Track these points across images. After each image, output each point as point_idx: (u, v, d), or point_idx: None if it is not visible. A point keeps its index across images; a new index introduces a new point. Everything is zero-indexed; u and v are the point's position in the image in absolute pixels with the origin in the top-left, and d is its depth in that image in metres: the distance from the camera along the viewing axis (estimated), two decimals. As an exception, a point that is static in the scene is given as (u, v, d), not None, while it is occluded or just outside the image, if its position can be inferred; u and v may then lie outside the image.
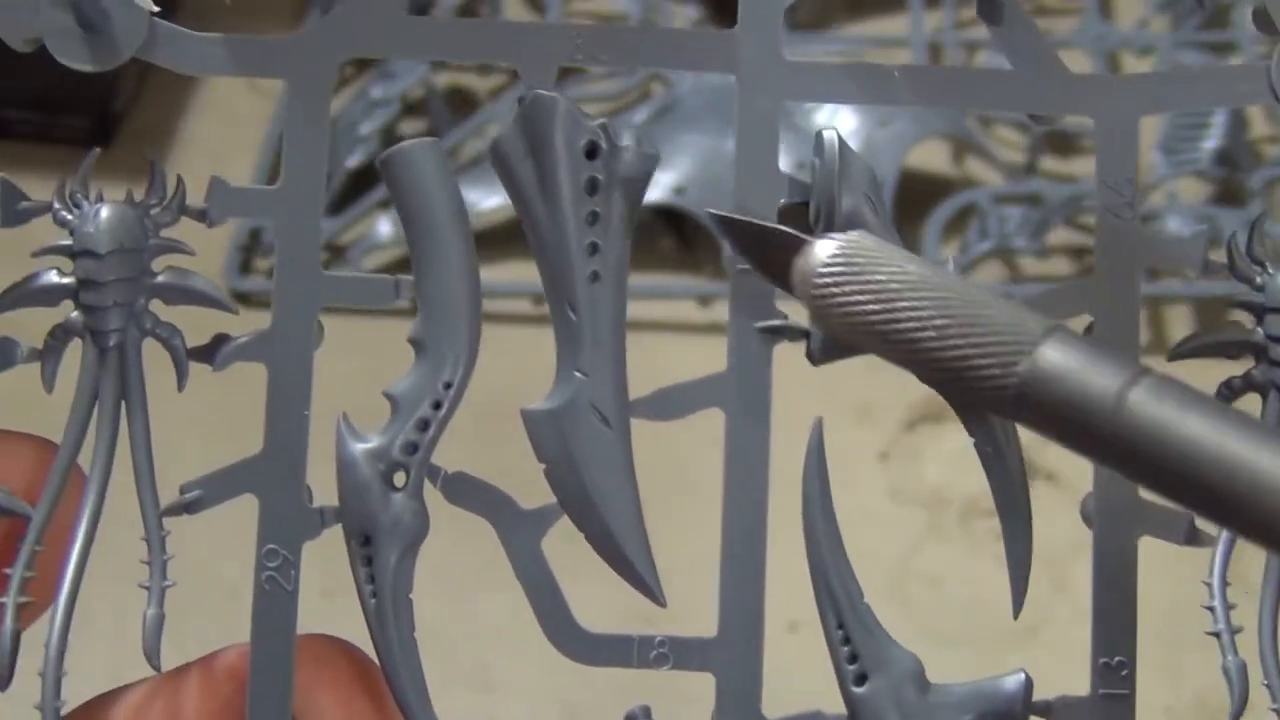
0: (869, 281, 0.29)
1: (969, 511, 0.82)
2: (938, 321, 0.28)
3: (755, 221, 0.32)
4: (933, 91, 0.35)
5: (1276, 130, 1.02)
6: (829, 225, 0.35)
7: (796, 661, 0.36)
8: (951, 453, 0.85)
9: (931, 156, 0.99)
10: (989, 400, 0.28)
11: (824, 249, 0.30)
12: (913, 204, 0.93)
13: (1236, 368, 0.36)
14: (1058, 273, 0.94)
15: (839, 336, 0.30)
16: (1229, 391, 0.36)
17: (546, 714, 0.74)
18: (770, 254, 0.31)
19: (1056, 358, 0.28)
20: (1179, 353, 0.36)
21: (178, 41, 0.35)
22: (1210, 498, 0.27)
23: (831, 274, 0.29)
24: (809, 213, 0.35)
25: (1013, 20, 0.35)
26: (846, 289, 0.29)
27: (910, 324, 0.29)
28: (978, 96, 0.36)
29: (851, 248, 0.29)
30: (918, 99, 0.35)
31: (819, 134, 0.35)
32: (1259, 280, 0.36)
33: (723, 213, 0.32)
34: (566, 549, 0.36)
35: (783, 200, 0.35)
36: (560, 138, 0.34)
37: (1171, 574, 0.36)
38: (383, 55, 0.35)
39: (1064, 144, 1.02)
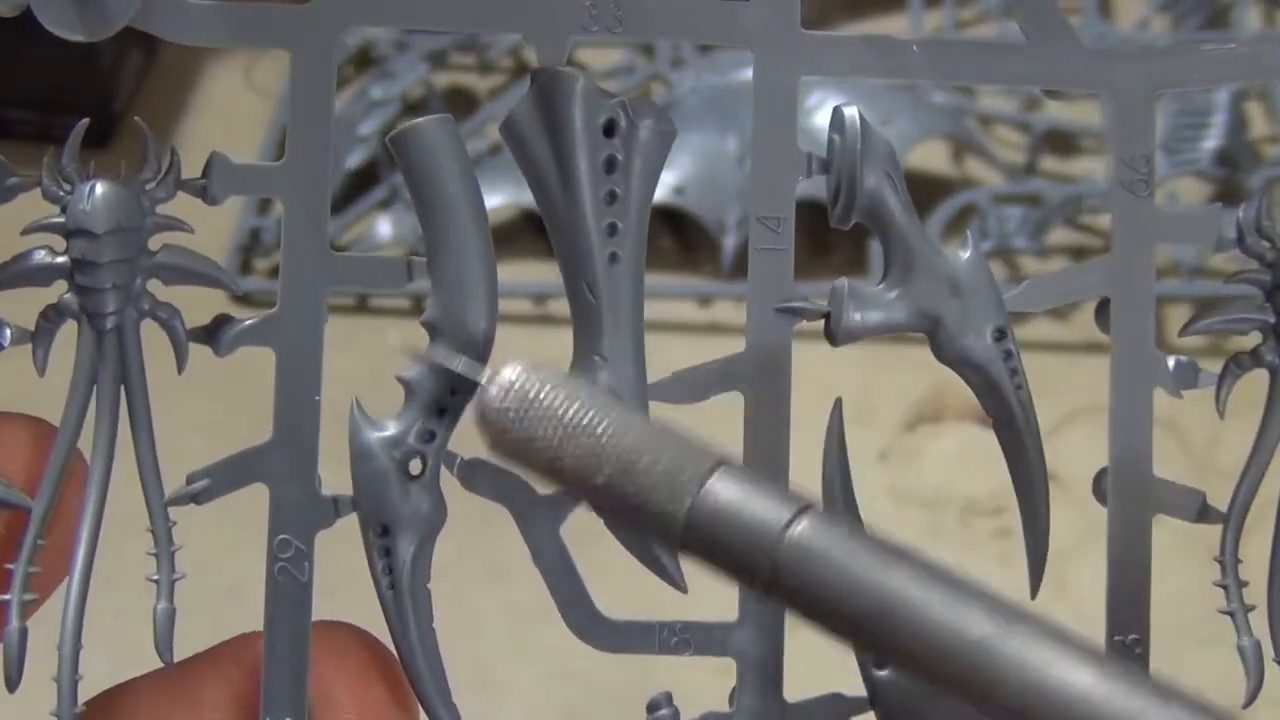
0: (534, 429, 0.29)
1: (969, 511, 0.82)
2: (601, 473, 0.28)
3: (433, 357, 0.32)
4: (950, 65, 0.35)
5: (1276, 130, 1.02)
6: (849, 203, 0.34)
7: (809, 653, 0.35)
8: (951, 453, 0.85)
9: (931, 156, 0.99)
10: (661, 538, 0.28)
11: (492, 394, 0.29)
12: (913, 204, 0.92)
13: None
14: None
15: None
16: (1237, 367, 0.36)
17: (546, 714, 0.73)
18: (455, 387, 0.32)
19: (719, 495, 0.28)
20: (1189, 330, 0.36)
21: (174, 10, 0.33)
22: (871, 634, 0.27)
23: (499, 421, 0.29)
24: (827, 190, 0.34)
25: (1032, -6, 0.34)
26: (516, 437, 0.29)
27: (576, 471, 0.29)
28: (994, 71, 0.35)
29: (516, 393, 0.29)
30: (935, 73, 0.35)
31: (837, 109, 0.34)
32: (1269, 256, 0.35)
33: (400, 343, 0.32)
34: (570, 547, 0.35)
35: (801, 178, 0.34)
36: (578, 115, 0.33)
37: (1171, 571, 0.36)
38: (388, 24, 0.35)
39: (1064, 144, 1.02)
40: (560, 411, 0.29)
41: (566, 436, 0.28)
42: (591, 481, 0.28)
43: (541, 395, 0.29)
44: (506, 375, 0.29)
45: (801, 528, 0.27)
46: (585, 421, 0.28)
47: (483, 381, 0.29)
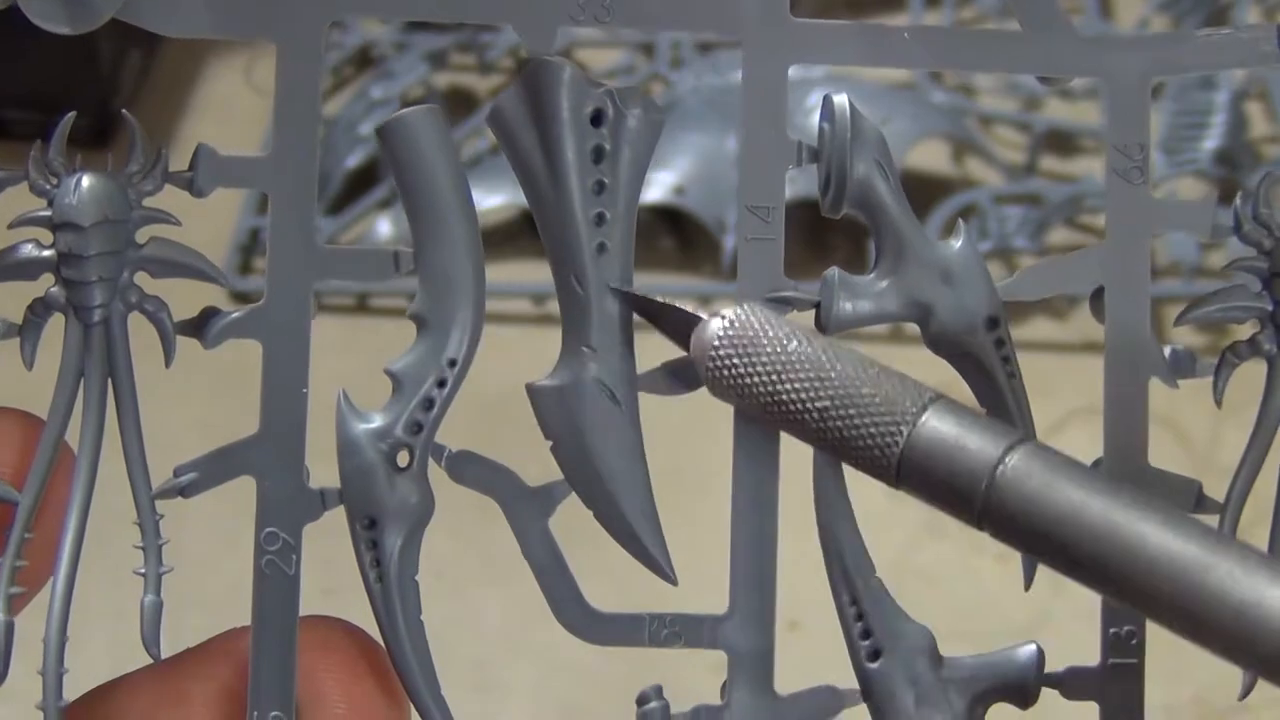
0: (753, 364, 0.30)
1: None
2: (819, 403, 0.30)
3: (655, 299, 0.33)
4: (943, 53, 0.34)
5: (1276, 130, 1.02)
6: (839, 192, 0.34)
7: (798, 659, 0.35)
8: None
9: (931, 156, 0.99)
10: (875, 471, 0.30)
11: (713, 328, 0.31)
12: (913, 204, 0.92)
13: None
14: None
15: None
16: (1235, 357, 0.35)
17: (545, 713, 0.73)
18: (671, 328, 0.32)
19: (934, 430, 0.29)
20: (1185, 319, 0.36)
21: (160, 1, 0.33)
22: (1087, 562, 0.28)
23: (721, 354, 0.31)
24: (818, 180, 0.34)
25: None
26: (735, 369, 0.30)
27: (794, 404, 0.30)
28: (989, 58, 0.35)
29: (738, 328, 0.31)
30: (929, 61, 0.35)
31: (827, 98, 0.34)
32: (1266, 244, 0.35)
33: (629, 289, 0.33)
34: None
35: (791, 167, 0.34)
36: (565, 104, 0.33)
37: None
38: (375, 14, 0.34)
39: (1064, 144, 1.02)
40: (782, 343, 0.30)
41: (788, 366, 0.30)
42: (811, 411, 0.30)
43: (764, 327, 0.30)
44: (730, 311, 0.31)
45: (1016, 459, 0.28)
46: (808, 352, 0.30)
47: (704, 317, 0.31)
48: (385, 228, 0.94)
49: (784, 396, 0.30)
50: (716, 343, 0.31)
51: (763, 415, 0.31)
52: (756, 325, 0.30)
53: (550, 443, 0.34)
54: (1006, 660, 0.35)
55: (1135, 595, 0.28)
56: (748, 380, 0.30)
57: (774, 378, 0.30)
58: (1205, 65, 0.35)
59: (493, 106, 0.34)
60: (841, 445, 0.30)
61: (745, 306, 0.31)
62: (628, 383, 0.34)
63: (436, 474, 0.34)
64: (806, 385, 0.30)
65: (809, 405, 0.30)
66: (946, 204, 0.95)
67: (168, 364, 0.34)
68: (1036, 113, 1.03)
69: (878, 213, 0.34)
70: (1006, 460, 0.28)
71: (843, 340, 0.32)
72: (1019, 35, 0.35)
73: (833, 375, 0.30)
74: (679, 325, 0.32)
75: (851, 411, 0.29)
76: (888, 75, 0.92)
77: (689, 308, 0.32)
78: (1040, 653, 0.35)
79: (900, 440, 0.29)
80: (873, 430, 0.29)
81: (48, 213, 0.33)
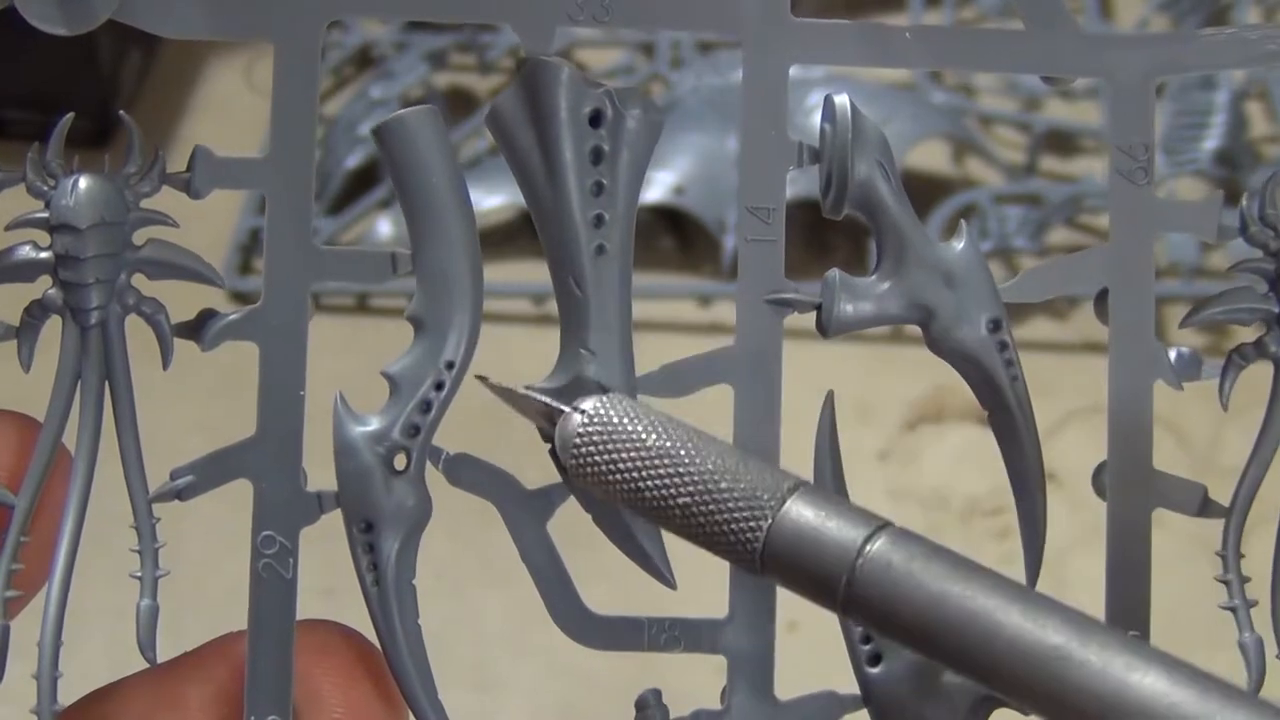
0: (614, 460, 0.30)
1: (969, 511, 0.82)
2: (680, 499, 0.29)
3: (516, 391, 0.32)
4: (945, 53, 0.34)
5: (1276, 130, 1.02)
6: (840, 193, 0.34)
7: (797, 661, 0.35)
8: (951, 453, 0.85)
9: (931, 156, 0.99)
10: (740, 561, 0.29)
11: (574, 423, 0.31)
12: (913, 204, 0.92)
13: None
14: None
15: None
16: (1241, 359, 0.35)
17: (545, 714, 0.73)
18: (534, 419, 0.32)
19: (794, 522, 0.29)
20: (1191, 320, 0.35)
21: (157, 2, 0.33)
22: (951, 651, 0.28)
23: (582, 450, 0.30)
24: (819, 181, 0.34)
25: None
26: (597, 465, 0.30)
27: (656, 500, 0.30)
28: (991, 58, 0.35)
29: (597, 424, 0.30)
30: (930, 60, 0.34)
31: (828, 98, 0.34)
32: (1272, 245, 0.35)
33: (490, 380, 0.33)
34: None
35: (791, 168, 0.34)
36: (563, 104, 0.33)
37: (1169, 573, 0.35)
38: (372, 14, 0.34)
39: (1064, 144, 1.02)
40: (641, 437, 0.30)
41: (648, 461, 0.30)
42: (673, 505, 0.29)
43: (623, 423, 0.30)
44: (588, 405, 0.30)
45: (879, 545, 0.28)
46: (666, 447, 0.30)
47: (566, 410, 0.30)
48: (385, 228, 0.94)
49: (646, 493, 0.30)
50: (577, 439, 0.30)
51: (630, 508, 0.30)
52: (615, 420, 0.30)
53: (549, 446, 0.34)
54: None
55: (1000, 684, 0.28)
56: (609, 476, 0.30)
57: (635, 474, 0.30)
58: (1209, 65, 0.35)
59: (491, 107, 0.33)
60: (706, 538, 0.29)
61: (606, 400, 0.31)
62: (627, 385, 0.34)
63: (434, 475, 0.34)
64: (666, 481, 0.29)
65: (670, 501, 0.29)
66: (946, 204, 0.95)
67: (165, 366, 0.34)
68: (1036, 113, 1.03)
69: (879, 214, 0.34)
70: (866, 550, 0.28)
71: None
72: (1022, 35, 0.34)
73: (692, 470, 0.29)
74: (541, 417, 0.32)
75: (712, 506, 0.29)
76: (887, 75, 0.92)
77: (551, 400, 0.32)
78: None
79: (761, 533, 0.29)
80: (734, 524, 0.29)
81: (45, 214, 0.33)
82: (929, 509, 0.82)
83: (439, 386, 0.33)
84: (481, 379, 0.32)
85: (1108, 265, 0.34)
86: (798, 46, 0.34)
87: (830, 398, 0.34)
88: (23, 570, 0.33)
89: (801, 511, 0.29)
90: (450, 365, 0.33)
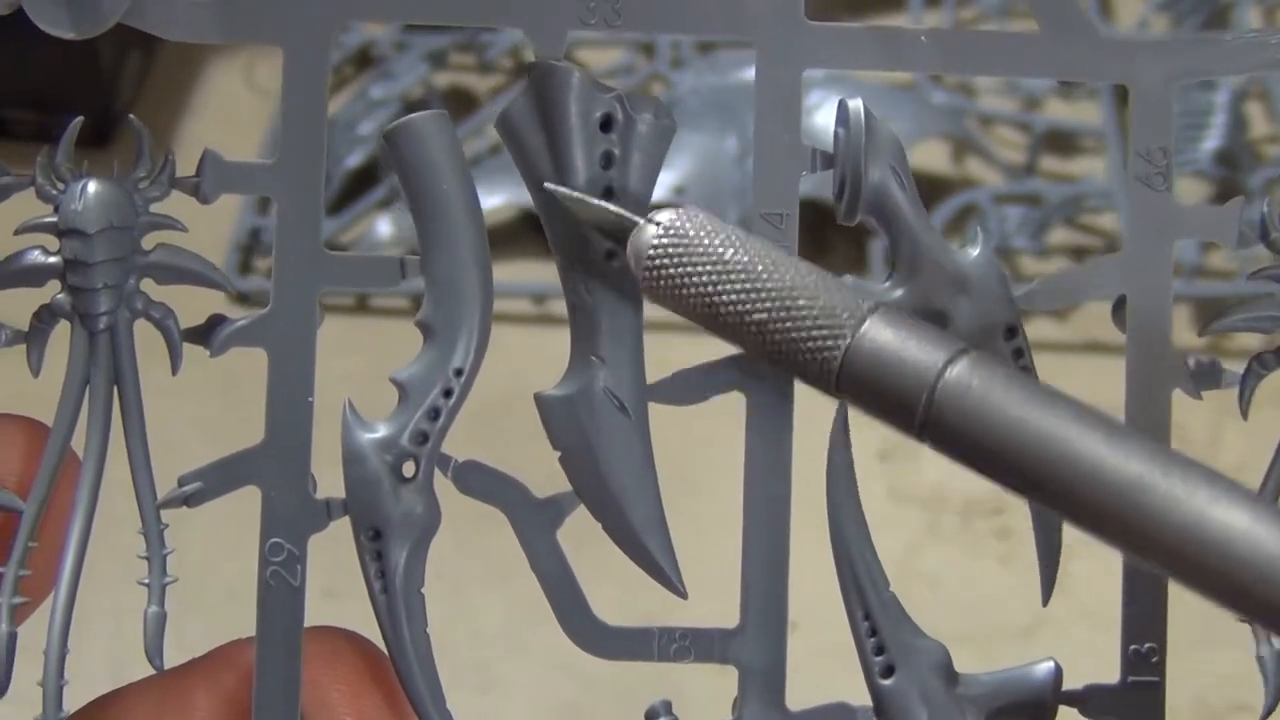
0: (689, 274, 0.29)
1: (969, 511, 0.82)
2: (756, 315, 0.29)
3: (589, 201, 0.32)
4: (961, 57, 0.34)
5: (1276, 130, 1.02)
6: (854, 198, 0.33)
7: (796, 661, 0.35)
8: (952, 453, 0.85)
9: (931, 156, 0.99)
10: (816, 380, 0.29)
11: (648, 235, 0.30)
12: (917, 201, 0.93)
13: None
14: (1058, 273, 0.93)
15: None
16: (1261, 367, 0.35)
17: (546, 714, 0.73)
18: (607, 231, 0.32)
19: (873, 341, 0.28)
20: (1212, 329, 0.35)
21: (166, 6, 0.33)
22: (1028, 478, 0.27)
23: (656, 262, 0.30)
24: (833, 186, 0.34)
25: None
26: (671, 278, 0.30)
27: (731, 315, 0.29)
28: (1008, 62, 0.34)
29: (674, 235, 0.30)
30: (945, 65, 0.34)
31: (843, 102, 0.33)
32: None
33: (562, 190, 0.32)
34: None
35: (805, 173, 0.34)
36: (574, 108, 0.33)
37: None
38: (382, 19, 0.34)
39: (1064, 144, 1.02)
40: (719, 251, 0.29)
41: (724, 276, 0.29)
42: (749, 321, 0.29)
43: (700, 236, 0.29)
44: (665, 216, 0.30)
45: (959, 368, 0.28)
46: (744, 261, 0.29)
47: (640, 221, 0.30)
48: (385, 228, 0.94)
49: (721, 308, 0.29)
50: (652, 250, 0.30)
51: (702, 323, 0.30)
52: (693, 233, 0.30)
53: (559, 453, 0.34)
54: (1024, 678, 0.34)
55: (1076, 512, 0.27)
56: (683, 290, 0.30)
57: (710, 288, 0.29)
58: (1229, 69, 0.34)
59: (502, 111, 0.33)
60: (781, 356, 0.29)
61: (683, 211, 0.30)
62: (637, 393, 0.34)
63: (440, 480, 0.34)
64: (743, 296, 0.29)
65: (746, 317, 0.29)
66: (946, 204, 0.95)
67: (175, 371, 0.34)
68: (1036, 113, 1.03)
69: (893, 219, 0.34)
70: (946, 373, 0.28)
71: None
72: (1039, 38, 0.34)
73: (770, 285, 0.29)
74: (615, 229, 0.31)
75: (789, 323, 0.29)
76: (888, 75, 0.92)
77: (625, 211, 0.31)
78: (1058, 670, 0.34)
79: (839, 352, 0.28)
80: (811, 342, 0.29)
81: (54, 219, 0.33)
82: (929, 509, 0.82)
83: (448, 393, 0.33)
84: (550, 188, 0.32)
85: (1125, 272, 0.34)
86: (811, 50, 0.34)
87: (843, 407, 0.34)
88: (30, 576, 0.33)
89: (881, 331, 0.28)
90: (459, 372, 0.33)
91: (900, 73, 0.35)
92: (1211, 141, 0.96)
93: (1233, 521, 0.26)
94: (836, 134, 0.33)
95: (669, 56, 1.03)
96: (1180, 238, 0.34)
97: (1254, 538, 0.26)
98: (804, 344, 0.29)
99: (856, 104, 0.33)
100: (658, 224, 0.30)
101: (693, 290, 0.29)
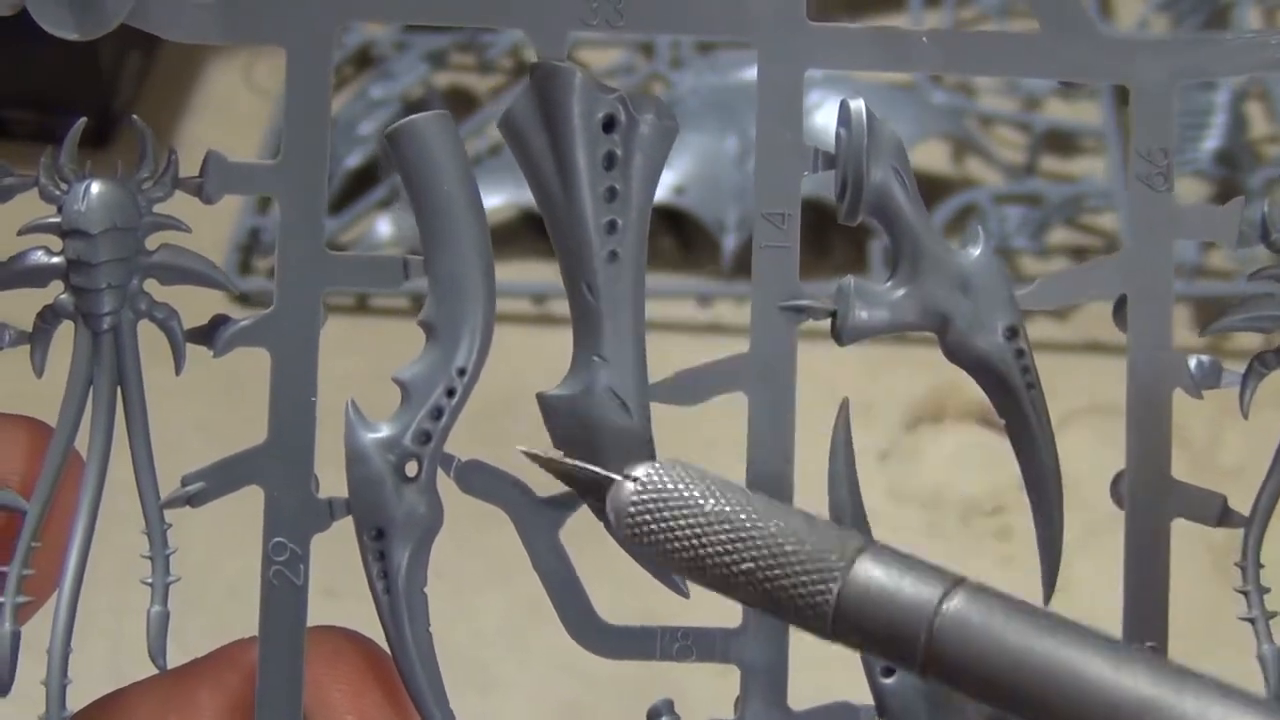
0: (671, 528, 0.29)
1: (969, 511, 0.82)
2: (744, 565, 0.28)
3: (564, 462, 0.31)
4: (962, 57, 0.34)
5: (1276, 130, 1.02)
6: (856, 199, 0.33)
7: (815, 661, 0.35)
8: (951, 453, 0.85)
9: (931, 156, 0.99)
10: (810, 625, 0.28)
11: (626, 492, 0.29)
12: (918, 201, 0.93)
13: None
14: (1058, 273, 0.93)
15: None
16: (1262, 367, 0.35)
17: (547, 714, 0.73)
18: (584, 489, 0.31)
19: (864, 583, 0.28)
20: (1213, 329, 0.35)
21: (169, 7, 0.33)
22: (1036, 706, 0.27)
23: (637, 519, 0.29)
24: (834, 186, 0.34)
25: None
26: (653, 534, 0.29)
27: (718, 567, 0.28)
28: (1008, 62, 0.34)
29: (651, 491, 0.29)
30: (947, 65, 0.34)
31: (844, 103, 0.34)
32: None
33: (535, 451, 0.31)
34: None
35: (807, 173, 0.34)
36: (576, 109, 0.33)
37: (1186, 582, 0.35)
38: (385, 20, 0.34)
39: (1064, 144, 1.02)
40: (700, 503, 0.29)
41: (707, 527, 0.28)
42: (737, 570, 0.28)
43: (679, 488, 0.29)
44: (641, 471, 0.29)
45: (956, 602, 0.27)
46: (725, 511, 0.28)
47: (617, 479, 0.29)
48: (385, 228, 0.94)
49: (707, 560, 0.29)
50: (631, 509, 0.29)
51: (688, 575, 0.29)
52: (670, 486, 0.29)
53: (560, 452, 0.34)
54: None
55: None
56: (667, 545, 0.29)
57: (694, 541, 0.29)
58: (1229, 69, 0.35)
59: (505, 112, 0.33)
60: (773, 604, 0.29)
61: (659, 467, 0.29)
62: (639, 392, 0.34)
63: (442, 480, 0.34)
64: (729, 547, 0.28)
65: (733, 567, 0.28)
66: (946, 204, 0.95)
67: (178, 372, 0.34)
68: (1036, 113, 1.03)
69: (895, 220, 0.34)
70: (943, 607, 0.27)
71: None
72: (1041, 39, 0.34)
73: (755, 535, 0.28)
74: (591, 487, 0.31)
75: (777, 571, 0.28)
76: (888, 75, 0.92)
77: (600, 470, 0.31)
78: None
79: (831, 596, 0.28)
80: (803, 588, 0.28)
81: (57, 219, 0.33)
82: (929, 509, 0.82)
83: (450, 393, 0.33)
84: (524, 451, 0.32)
85: (1126, 272, 0.34)
86: (813, 51, 0.34)
87: (845, 405, 0.34)
88: (34, 576, 0.33)
89: (872, 571, 0.28)
90: (462, 372, 0.33)
91: (900, 73, 0.35)
92: (1211, 141, 0.96)
93: None
94: (838, 134, 0.33)
95: (669, 56, 1.03)
96: (1180, 238, 0.34)
97: None
98: (796, 590, 0.28)
99: (859, 105, 0.33)
100: (635, 480, 0.29)
101: (676, 544, 0.29)
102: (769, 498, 0.29)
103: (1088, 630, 0.27)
